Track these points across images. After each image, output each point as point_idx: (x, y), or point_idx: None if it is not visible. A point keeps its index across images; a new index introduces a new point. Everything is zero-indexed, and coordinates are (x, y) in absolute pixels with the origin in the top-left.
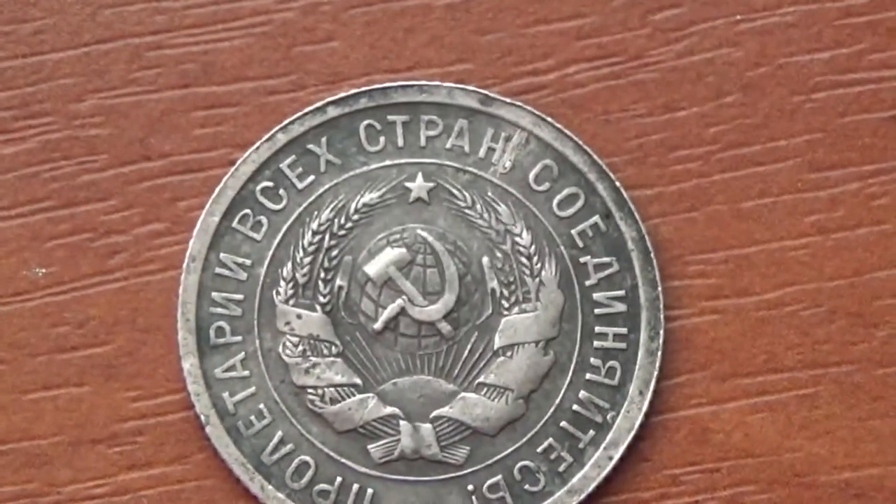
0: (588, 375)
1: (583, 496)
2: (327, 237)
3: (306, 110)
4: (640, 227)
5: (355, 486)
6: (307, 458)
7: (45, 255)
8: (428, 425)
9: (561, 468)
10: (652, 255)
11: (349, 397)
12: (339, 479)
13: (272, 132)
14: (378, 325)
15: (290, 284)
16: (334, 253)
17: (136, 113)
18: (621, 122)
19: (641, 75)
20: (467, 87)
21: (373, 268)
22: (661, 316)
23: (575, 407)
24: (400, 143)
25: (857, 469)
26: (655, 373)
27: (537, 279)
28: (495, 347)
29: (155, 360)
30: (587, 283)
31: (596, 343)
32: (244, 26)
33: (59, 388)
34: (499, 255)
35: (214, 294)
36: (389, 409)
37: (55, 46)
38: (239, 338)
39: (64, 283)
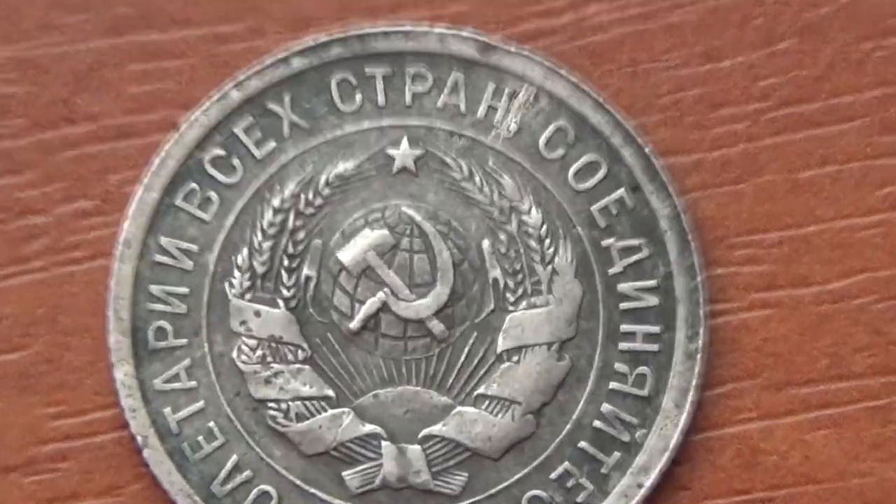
0: (612, 384)
1: None
2: (292, 216)
3: (266, 62)
4: (676, 202)
5: None
6: (268, 488)
7: None
8: (416, 447)
9: (579, 498)
10: (690, 236)
11: (319, 413)
12: None
13: (224, 89)
14: (354, 325)
15: (247, 275)
16: (300, 236)
17: (59, 68)
18: (652, 75)
19: (676, 17)
20: (463, 32)
21: (348, 254)
22: (702, 311)
23: (596, 423)
24: (381, 101)
25: None
26: (695, 381)
27: (549, 267)
28: (498, 351)
29: (81, 369)
30: (611, 271)
31: (622, 345)
32: None
33: None
34: (502, 237)
35: (153, 287)
36: (369, 428)
37: None
38: (183, 340)
39: None
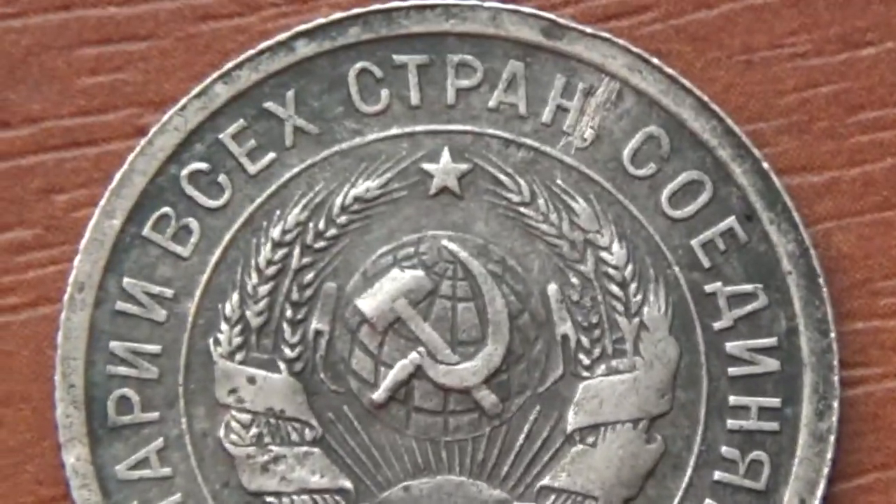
0: (718, 474)
1: None
2: (297, 252)
3: (262, 46)
4: (803, 235)
5: None
6: None
7: None
8: None
9: None
10: (821, 280)
11: None
12: None
13: (206, 82)
14: (379, 395)
15: (238, 329)
16: (308, 277)
17: None
18: (773, 66)
19: None
20: (523, 7)
21: (371, 302)
22: (836, 378)
23: None
24: (414, 99)
25: None
26: (826, 470)
27: (636, 320)
28: (569, 430)
29: (18, 450)
30: (717, 325)
31: (731, 422)
32: None
33: None
34: (574, 281)
35: (114, 344)
36: None
37: None
38: (154, 415)
39: None
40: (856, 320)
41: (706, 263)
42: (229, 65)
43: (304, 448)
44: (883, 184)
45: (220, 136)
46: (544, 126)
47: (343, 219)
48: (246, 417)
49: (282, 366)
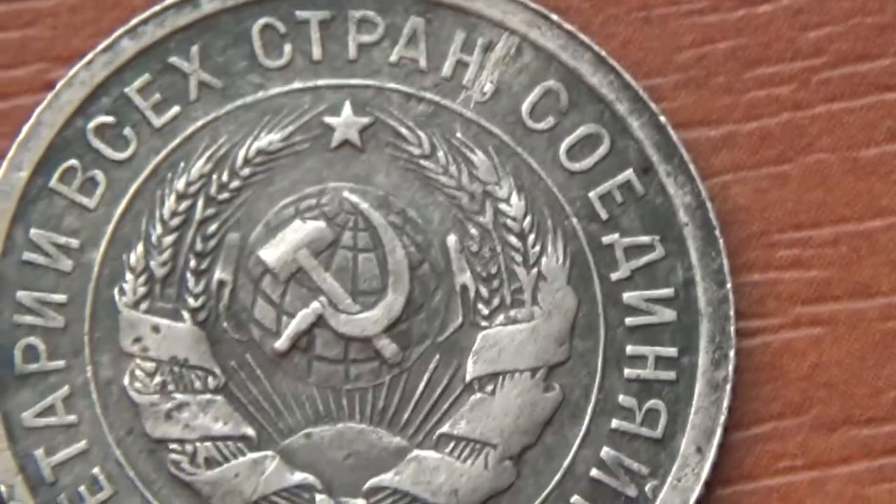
0: (615, 422)
1: None
2: (200, 203)
3: (168, 2)
4: (700, 187)
5: None
6: None
7: None
8: (360, 502)
9: None
10: (717, 232)
11: (236, 457)
12: None
13: (112, 37)
14: (281, 344)
15: (142, 279)
16: (212, 228)
17: None
18: (670, 22)
19: None
20: None
21: (273, 252)
22: (732, 329)
23: (594, 472)
24: (316, 54)
25: None
26: (722, 418)
27: (534, 270)
28: (468, 378)
29: None
30: (614, 276)
31: (628, 371)
32: None
33: None
34: (473, 232)
35: (21, 294)
36: (299, 477)
37: None
38: (60, 363)
39: None
40: (752, 272)
41: (604, 215)
42: (135, 20)
43: (207, 396)
44: (779, 138)
45: (126, 90)
46: (444, 80)
47: (246, 171)
48: (150, 366)
49: (185, 315)
